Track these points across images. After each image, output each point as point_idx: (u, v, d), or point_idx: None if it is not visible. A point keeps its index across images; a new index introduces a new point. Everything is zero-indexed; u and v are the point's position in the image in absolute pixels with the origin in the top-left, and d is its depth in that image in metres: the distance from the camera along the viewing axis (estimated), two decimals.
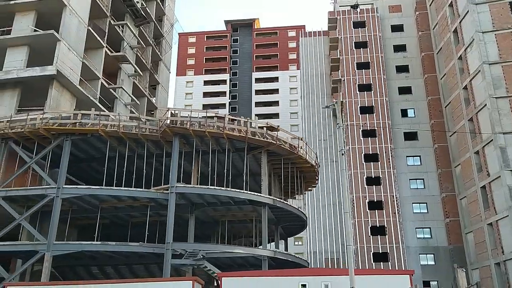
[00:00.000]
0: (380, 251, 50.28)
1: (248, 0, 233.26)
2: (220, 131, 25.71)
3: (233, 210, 29.02)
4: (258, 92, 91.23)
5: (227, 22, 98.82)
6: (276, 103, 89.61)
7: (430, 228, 51.79)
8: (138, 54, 46.08)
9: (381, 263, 49.85)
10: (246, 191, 26.30)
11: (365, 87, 58.09)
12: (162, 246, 24.65)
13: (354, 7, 62.96)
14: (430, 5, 56.74)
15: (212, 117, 26.69)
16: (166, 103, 54.81)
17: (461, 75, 47.43)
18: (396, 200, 51.97)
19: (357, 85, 58.07)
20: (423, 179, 53.69)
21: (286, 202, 28.08)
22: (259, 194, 26.59)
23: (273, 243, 32.72)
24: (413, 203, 52.87)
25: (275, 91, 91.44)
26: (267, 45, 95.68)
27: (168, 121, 25.84)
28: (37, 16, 35.19)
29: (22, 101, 32.95)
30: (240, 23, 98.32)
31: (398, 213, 51.39)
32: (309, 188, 33.88)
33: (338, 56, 60.40)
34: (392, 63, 59.71)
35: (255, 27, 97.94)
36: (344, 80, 58.58)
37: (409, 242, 51.06)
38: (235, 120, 27.10)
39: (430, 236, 51.49)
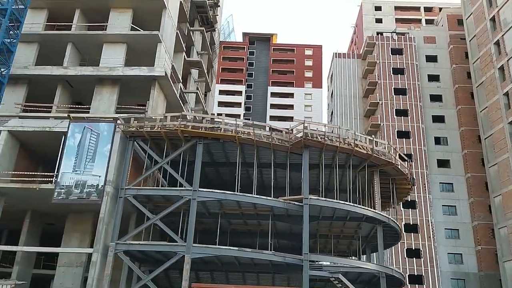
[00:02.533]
0: (416, 274, 51.66)
1: (264, 17, 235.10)
2: (351, 148, 26.39)
3: (335, 225, 29.59)
4: (273, 106, 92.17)
5: (244, 35, 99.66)
6: (290, 118, 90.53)
7: (461, 254, 53.55)
8: (202, 60, 46.32)
9: (416, 285, 51.19)
10: (366, 208, 27.02)
11: (401, 112, 59.94)
12: (294, 256, 24.95)
13: (393, 33, 65.11)
14: (470, 41, 59.30)
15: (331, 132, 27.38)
16: (212, 110, 54.97)
17: (507, 111, 49.79)
18: (431, 225, 53.60)
19: (394, 109, 59.83)
20: (455, 206, 55.57)
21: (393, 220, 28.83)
22: (378, 212, 27.32)
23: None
24: (445, 228, 54.61)
25: (290, 106, 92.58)
26: (283, 61, 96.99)
27: (300, 134, 26.31)
28: (133, 14, 35.09)
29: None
30: (257, 36, 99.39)
31: (433, 237, 52.98)
32: (402, 200, 34.54)
33: (376, 80, 62.10)
34: (427, 91, 61.89)
35: (272, 42, 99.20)
36: (382, 104, 60.25)
37: (442, 267, 52.64)
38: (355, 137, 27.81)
39: (461, 262, 53.23)
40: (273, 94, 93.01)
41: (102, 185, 24.92)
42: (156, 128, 26.15)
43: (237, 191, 25.98)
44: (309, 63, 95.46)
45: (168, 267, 24.08)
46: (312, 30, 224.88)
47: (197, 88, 45.87)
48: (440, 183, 56.64)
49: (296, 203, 26.01)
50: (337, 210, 26.38)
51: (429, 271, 51.23)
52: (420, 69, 62.91)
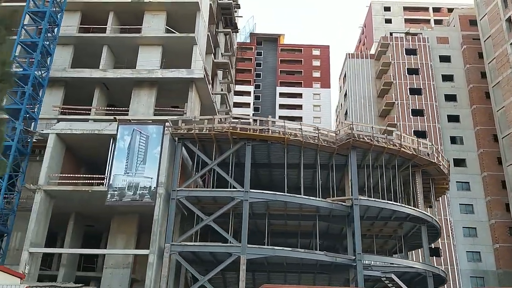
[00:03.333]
0: None
1: (272, 16, 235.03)
2: (397, 149, 26.76)
3: (376, 225, 29.94)
4: (282, 106, 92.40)
5: (252, 35, 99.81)
6: (299, 118, 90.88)
7: (479, 252, 54.12)
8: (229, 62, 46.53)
9: None
10: (412, 208, 27.39)
11: (417, 112, 60.46)
12: (345, 256, 25.28)
13: (407, 34, 65.61)
14: (485, 41, 59.92)
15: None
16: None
17: None
18: (450, 224, 54.14)
19: (410, 109, 60.34)
20: (472, 204, 56.16)
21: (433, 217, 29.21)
22: (424, 212, 27.71)
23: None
24: (463, 227, 55.15)
25: (299, 106, 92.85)
26: (291, 61, 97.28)
27: (347, 135, 26.63)
28: (167, 17, 35.23)
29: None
30: (265, 37, 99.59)
31: (452, 236, 53.53)
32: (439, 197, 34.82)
33: (391, 80, 62.58)
34: (441, 91, 62.41)
35: (280, 43, 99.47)
36: (398, 103, 60.74)
37: (461, 265, 53.18)
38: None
39: (480, 260, 53.81)
40: (282, 95, 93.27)
41: (154, 187, 25.10)
42: (204, 130, 26.35)
43: (286, 192, 26.22)
44: (316, 63, 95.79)
45: (212, 268, 24.32)
46: (316, 30, 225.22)
47: (221, 89, 46.12)
48: (456, 182, 57.09)
49: (342, 203, 26.34)
50: (384, 210, 26.72)
51: (449, 269, 51.69)
52: (434, 69, 63.40)
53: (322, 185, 29.14)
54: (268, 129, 25.99)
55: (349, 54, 70.15)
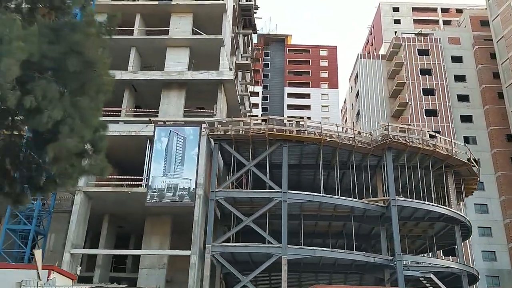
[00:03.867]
0: None
1: (278, 17, 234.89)
2: (432, 149, 26.99)
3: (408, 225, 30.14)
4: (290, 106, 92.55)
5: (259, 36, 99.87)
6: (308, 118, 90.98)
7: (494, 251, 54.44)
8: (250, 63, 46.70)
9: None
10: (446, 208, 27.63)
11: (431, 113, 60.75)
12: (383, 256, 25.49)
13: (419, 34, 65.91)
14: (498, 42, 60.28)
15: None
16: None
17: None
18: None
19: (424, 110, 60.63)
20: (486, 204, 56.46)
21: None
22: (458, 212, 27.96)
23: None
24: (478, 226, 55.41)
25: (307, 107, 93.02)
26: (299, 62, 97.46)
27: (380, 137, 26.87)
28: (193, 18, 35.37)
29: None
30: (272, 37, 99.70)
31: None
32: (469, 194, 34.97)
33: (404, 81, 62.85)
34: (454, 91, 62.71)
35: (287, 43, 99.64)
36: (411, 104, 61.02)
37: (476, 264, 53.44)
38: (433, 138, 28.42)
39: (495, 259, 54.13)
40: (290, 95, 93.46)
41: (193, 188, 25.26)
42: (241, 131, 26.52)
43: (322, 193, 26.42)
44: (324, 63, 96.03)
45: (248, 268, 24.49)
46: (321, 31, 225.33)
47: (241, 90, 46.29)
48: None
49: (378, 204, 26.56)
50: (419, 210, 26.94)
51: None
52: (447, 70, 63.70)
53: (352, 185, 29.28)
54: (305, 130, 26.16)
55: (360, 54, 70.44)
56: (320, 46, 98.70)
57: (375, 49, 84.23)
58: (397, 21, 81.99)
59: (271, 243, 24.46)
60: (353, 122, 73.01)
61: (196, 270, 23.85)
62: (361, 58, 69.94)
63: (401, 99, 62.29)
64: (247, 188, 26.64)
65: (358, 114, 68.48)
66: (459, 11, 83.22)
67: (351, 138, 26.60)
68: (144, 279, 27.45)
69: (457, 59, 64.87)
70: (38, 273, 14.61)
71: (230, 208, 25.17)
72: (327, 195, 25.79)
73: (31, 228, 25.27)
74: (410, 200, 26.60)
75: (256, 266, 25.17)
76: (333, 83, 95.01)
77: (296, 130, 26.45)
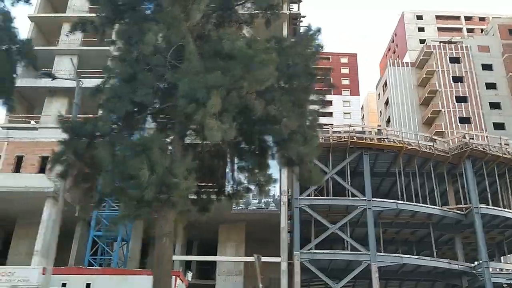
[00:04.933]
0: None
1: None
2: (510, 157, 27.27)
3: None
4: None
5: None
6: (330, 125, 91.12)
7: None
8: None
9: None
10: None
11: (464, 120, 61.11)
12: (466, 264, 25.70)
13: (449, 42, 66.48)
14: None
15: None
16: None
17: None
18: None
19: (457, 117, 60.99)
20: None
21: None
22: None
23: None
24: None
25: (329, 114, 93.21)
26: (320, 69, 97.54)
27: (460, 144, 27.14)
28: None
29: None
30: None
31: None
32: None
33: (437, 88, 63.27)
34: (485, 99, 63.15)
35: None
36: (444, 111, 61.40)
37: None
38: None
39: None
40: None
41: (278, 195, 25.44)
42: (321, 139, 26.72)
43: (402, 201, 26.61)
44: (345, 70, 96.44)
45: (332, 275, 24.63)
46: (338, 38, 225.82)
47: None
48: None
49: (459, 211, 26.78)
50: (498, 217, 27.16)
51: None
52: (478, 77, 64.17)
53: (423, 192, 29.48)
54: (387, 137, 26.42)
55: (390, 62, 70.88)
56: (341, 54, 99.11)
57: (398, 56, 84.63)
58: (421, 29, 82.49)
59: (359, 250, 24.61)
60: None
61: (287, 276, 23.97)
62: (390, 65, 70.37)
63: (434, 107, 62.63)
64: (327, 196, 26.79)
65: (388, 121, 68.77)
66: (482, 19, 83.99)
67: (429, 146, 26.83)
68: (221, 286, 27.60)
69: (487, 67, 65.34)
70: (258, 278, 14.72)
71: (314, 215, 25.32)
72: (411, 203, 26.00)
73: (119, 235, 25.39)
74: (493, 207, 26.81)
75: (340, 273, 25.35)
76: (355, 90, 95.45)
77: (377, 138, 26.67)
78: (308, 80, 10.67)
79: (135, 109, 10.09)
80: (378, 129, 28.18)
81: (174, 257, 25.86)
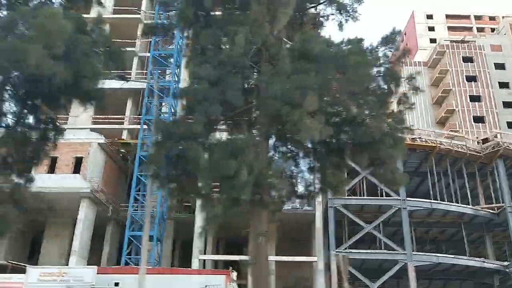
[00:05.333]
0: None
1: None
2: None
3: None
4: None
5: None
6: None
7: None
8: None
9: None
10: None
11: (478, 119, 61.21)
12: (498, 262, 25.81)
13: (462, 42, 66.58)
14: None
15: None
16: None
17: None
18: None
19: (472, 116, 61.08)
20: None
21: None
22: None
23: None
24: None
25: None
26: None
27: (492, 144, 27.25)
28: None
29: None
30: None
31: None
32: None
33: (450, 87, 63.34)
34: (499, 98, 63.22)
35: None
36: (459, 110, 61.48)
37: None
38: None
39: None
40: None
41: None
42: None
43: (434, 200, 26.73)
44: None
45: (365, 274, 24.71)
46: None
47: None
48: None
49: (490, 210, 26.89)
50: None
51: None
52: (491, 76, 64.25)
53: (452, 191, 29.57)
54: (419, 137, 26.51)
55: (402, 61, 70.75)
56: None
57: (408, 56, 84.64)
58: (431, 28, 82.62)
59: (393, 249, 24.72)
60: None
61: (324, 275, 24.08)
62: (403, 65, 70.28)
63: (448, 106, 62.70)
64: (360, 196, 26.90)
65: None
66: (492, 18, 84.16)
67: (461, 146, 26.95)
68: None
69: (500, 66, 65.40)
70: (344, 277, 14.84)
71: (349, 215, 25.43)
72: (444, 203, 26.10)
73: (154, 234, 25.51)
74: None
75: (372, 273, 25.46)
76: None
77: (410, 138, 26.74)
78: (393, 82, 10.78)
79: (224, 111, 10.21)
80: (410, 129, 28.08)
81: (210, 257, 26.09)
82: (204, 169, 9.23)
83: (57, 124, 10.67)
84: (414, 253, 24.41)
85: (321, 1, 12.05)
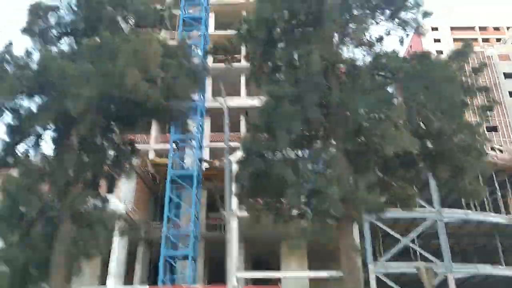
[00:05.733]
0: None
1: None
2: None
3: None
4: None
5: None
6: None
7: None
8: None
9: None
10: None
11: (491, 129, 61.34)
12: None
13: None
14: None
15: None
16: None
17: None
18: None
19: (485, 126, 61.17)
20: None
21: None
22: None
23: None
24: None
25: None
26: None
27: None
28: None
29: None
30: None
31: None
32: None
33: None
34: (511, 108, 63.47)
35: None
36: (471, 120, 61.62)
37: None
38: None
39: None
40: None
41: None
42: None
43: (468, 209, 26.70)
44: None
45: None
46: None
47: None
48: None
49: None
50: None
51: None
52: (501, 86, 64.61)
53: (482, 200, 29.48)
54: None
55: None
56: None
57: None
58: (437, 40, 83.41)
59: (431, 262, 24.60)
60: None
61: None
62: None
63: None
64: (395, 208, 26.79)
65: None
66: (496, 29, 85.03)
67: (494, 155, 27.01)
68: None
69: (509, 76, 65.82)
70: None
71: (384, 228, 25.38)
72: (479, 212, 26.09)
73: (189, 253, 25.49)
74: None
75: (410, 286, 25.25)
76: None
77: None
78: (471, 95, 10.94)
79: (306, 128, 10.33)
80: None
81: (249, 274, 25.97)
82: (292, 184, 9.31)
83: (134, 145, 10.80)
84: (454, 264, 24.29)
85: (384, 18, 12.25)
